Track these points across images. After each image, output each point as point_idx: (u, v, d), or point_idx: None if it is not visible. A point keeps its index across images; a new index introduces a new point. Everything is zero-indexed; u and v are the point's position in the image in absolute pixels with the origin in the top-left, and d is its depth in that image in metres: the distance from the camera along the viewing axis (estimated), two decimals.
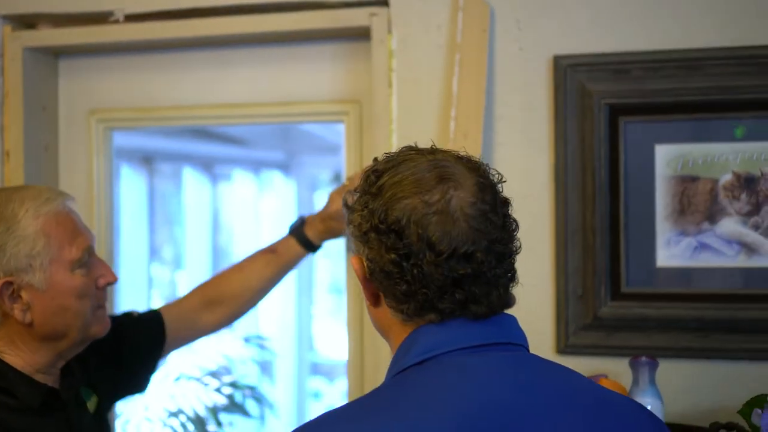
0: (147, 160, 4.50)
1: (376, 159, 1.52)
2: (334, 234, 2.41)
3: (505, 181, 1.50)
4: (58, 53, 2.83)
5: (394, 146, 2.44)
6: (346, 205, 1.51)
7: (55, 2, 2.70)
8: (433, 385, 1.37)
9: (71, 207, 2.01)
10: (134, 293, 4.22)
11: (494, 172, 1.49)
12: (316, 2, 2.51)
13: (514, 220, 1.47)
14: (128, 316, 2.31)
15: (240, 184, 5.59)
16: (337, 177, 6.26)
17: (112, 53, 2.79)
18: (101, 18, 2.68)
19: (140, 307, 2.55)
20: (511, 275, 1.45)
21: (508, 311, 1.48)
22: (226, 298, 2.42)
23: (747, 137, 2.24)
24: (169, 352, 2.39)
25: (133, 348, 2.26)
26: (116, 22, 2.65)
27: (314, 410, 5.88)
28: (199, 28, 2.60)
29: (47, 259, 1.91)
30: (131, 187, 4.38)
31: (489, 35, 2.37)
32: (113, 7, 2.64)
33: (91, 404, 2.08)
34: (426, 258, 1.37)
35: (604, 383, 2.15)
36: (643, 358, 2.12)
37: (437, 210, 1.37)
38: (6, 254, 1.89)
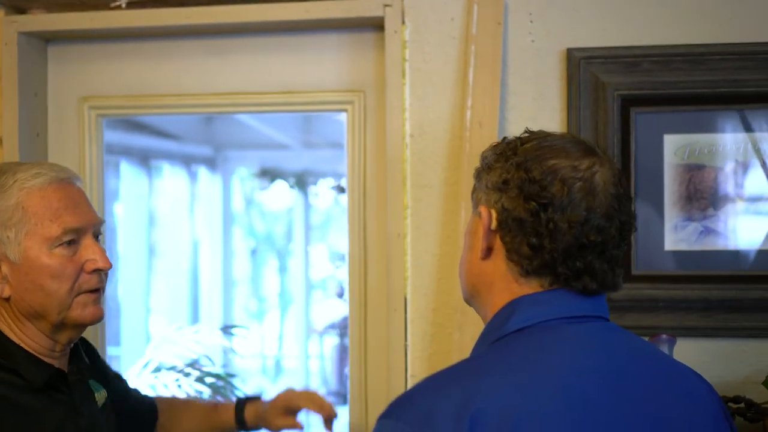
0: None
1: (506, 137, 1.59)
2: (266, 427, 2.37)
3: None
4: (48, 39, 2.78)
5: (407, 135, 2.50)
6: (484, 159, 1.57)
7: None
8: (534, 349, 1.44)
9: (71, 184, 1.95)
10: None
11: None
12: None
13: (634, 213, 1.54)
14: (133, 392, 2.29)
15: (170, 178, 5.55)
16: (264, 172, 6.27)
17: (107, 40, 2.76)
18: (102, 4, 2.65)
19: None
20: (621, 261, 1.52)
21: None
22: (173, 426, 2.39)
23: (746, 127, 2.38)
24: None
25: (129, 419, 2.21)
26: (119, 8, 2.64)
27: None
28: (206, 16, 2.61)
29: (22, 233, 1.87)
30: None
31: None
32: None
33: (100, 397, 2.04)
34: (565, 215, 1.44)
35: None
36: (663, 336, 2.24)
37: (583, 177, 1.45)
38: None
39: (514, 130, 2.45)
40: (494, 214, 1.50)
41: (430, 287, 2.51)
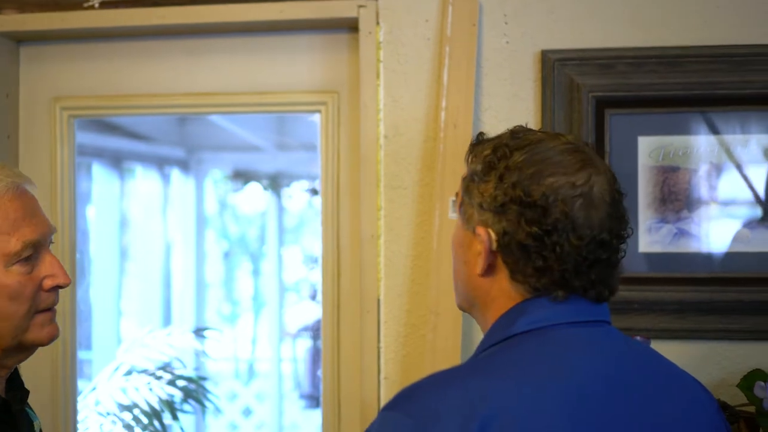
0: None
1: (482, 133, 1.56)
2: None
3: None
4: (20, 39, 2.75)
5: (381, 136, 2.49)
6: (472, 170, 1.50)
7: None
8: (542, 352, 1.42)
9: (25, 191, 1.72)
10: None
11: None
12: None
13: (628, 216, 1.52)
14: None
15: (143, 180, 5.51)
16: (237, 174, 6.24)
17: (79, 40, 2.74)
18: (75, 4, 2.63)
19: None
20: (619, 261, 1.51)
21: None
22: None
23: (720, 130, 2.39)
24: None
25: None
26: (92, 8, 2.61)
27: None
28: (179, 16, 2.59)
29: None
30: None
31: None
32: None
33: (37, 426, 1.83)
34: (570, 238, 1.40)
35: None
36: (638, 338, 2.23)
37: (582, 193, 1.42)
38: None
39: (489, 131, 2.40)
40: (494, 236, 1.45)
41: (403, 289, 2.50)
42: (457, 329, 2.39)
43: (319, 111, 2.68)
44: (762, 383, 2.05)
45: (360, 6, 2.50)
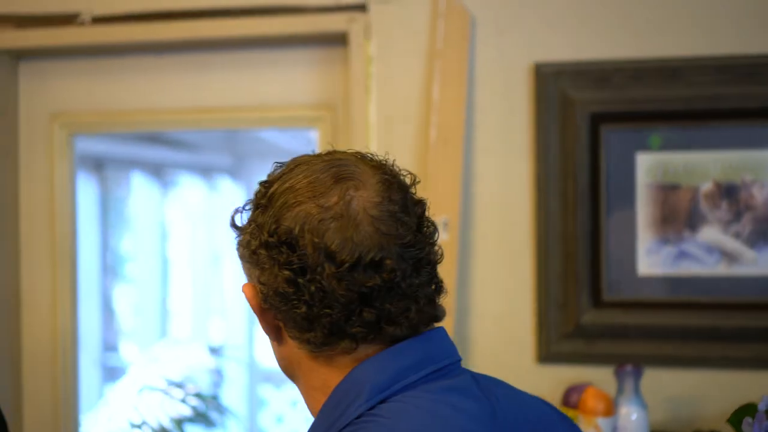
0: (97, 166, 4.40)
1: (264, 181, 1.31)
2: None
3: (419, 182, 1.29)
4: (18, 56, 2.74)
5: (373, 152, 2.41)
6: (233, 225, 1.27)
7: (18, 2, 2.63)
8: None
9: None
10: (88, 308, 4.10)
11: (405, 172, 1.27)
12: (293, 7, 2.47)
13: (432, 223, 1.25)
14: None
15: (188, 189, 5.49)
16: None
17: (77, 56, 2.71)
18: (68, 20, 2.60)
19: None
20: (436, 286, 1.24)
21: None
22: None
23: (724, 145, 2.25)
24: None
25: None
26: (82, 24, 2.58)
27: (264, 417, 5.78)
28: (173, 32, 2.55)
29: None
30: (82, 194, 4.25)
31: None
32: (80, 9, 2.57)
33: None
34: (325, 271, 1.15)
35: (591, 392, 2.14)
36: (629, 367, 2.13)
37: (335, 214, 1.16)
38: None
39: (481, 147, 2.37)
40: (258, 290, 1.23)
41: None
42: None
43: (316, 126, 2.61)
44: (749, 419, 1.91)
45: (350, 20, 2.42)
